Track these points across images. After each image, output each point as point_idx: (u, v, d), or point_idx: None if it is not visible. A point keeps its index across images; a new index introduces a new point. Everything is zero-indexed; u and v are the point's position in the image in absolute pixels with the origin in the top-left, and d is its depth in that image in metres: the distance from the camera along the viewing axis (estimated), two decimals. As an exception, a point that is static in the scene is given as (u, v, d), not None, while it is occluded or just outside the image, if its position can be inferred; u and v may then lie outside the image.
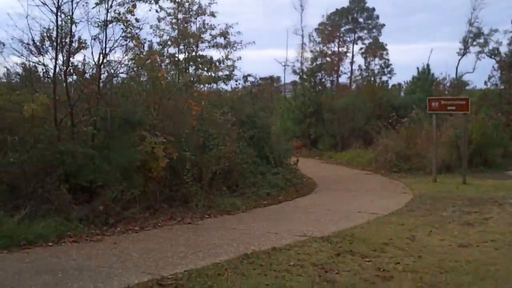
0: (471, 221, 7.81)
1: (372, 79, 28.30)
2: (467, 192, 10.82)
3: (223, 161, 9.61)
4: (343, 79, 30.40)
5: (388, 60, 34.68)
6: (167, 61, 13.05)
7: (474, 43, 30.56)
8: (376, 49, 34.17)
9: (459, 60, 30.55)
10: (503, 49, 24.01)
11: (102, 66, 8.54)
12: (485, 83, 21.94)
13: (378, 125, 17.11)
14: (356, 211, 8.93)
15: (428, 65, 22.71)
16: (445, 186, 11.83)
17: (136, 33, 8.80)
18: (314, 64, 21.10)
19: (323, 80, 18.94)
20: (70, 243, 6.11)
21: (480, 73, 36.34)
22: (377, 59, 34.35)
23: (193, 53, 13.13)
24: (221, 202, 9.02)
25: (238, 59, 13.18)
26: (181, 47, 12.97)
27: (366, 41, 35.38)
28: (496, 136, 14.60)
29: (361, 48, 34.98)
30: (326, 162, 17.33)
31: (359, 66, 34.12)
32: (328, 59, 26.48)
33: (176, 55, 12.99)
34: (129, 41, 8.80)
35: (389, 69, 34.24)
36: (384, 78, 32.48)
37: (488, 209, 8.93)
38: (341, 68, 29.79)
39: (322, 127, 18.51)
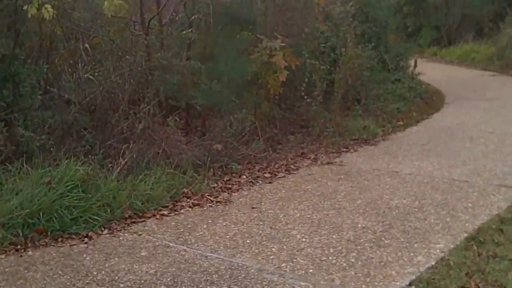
0: None
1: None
2: None
3: (349, 71, 7.39)
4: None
5: None
6: None
7: None
8: None
9: None
10: None
11: None
12: None
13: (497, 12, 14.19)
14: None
15: None
16: None
17: None
18: None
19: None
20: (191, 208, 4.27)
21: None
22: None
23: None
24: (353, 126, 6.96)
25: None
26: None
27: None
28: None
29: None
30: (432, 60, 14.69)
31: None
32: None
33: None
34: None
35: None
36: None
37: None
38: None
39: (423, 17, 15.60)
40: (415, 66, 10.46)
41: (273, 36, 6.17)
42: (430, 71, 12.60)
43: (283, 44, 6.09)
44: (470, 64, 13.43)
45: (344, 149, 6.20)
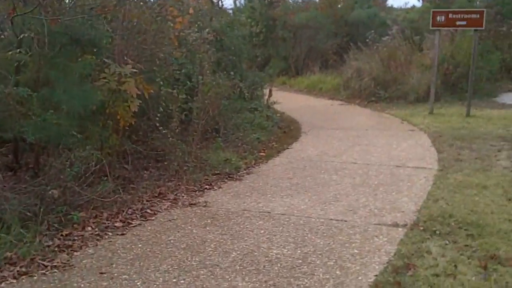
0: None
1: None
2: (485, 127, 8.97)
3: (208, 100, 6.77)
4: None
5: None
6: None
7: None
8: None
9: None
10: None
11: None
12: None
13: (341, 45, 14.86)
14: (390, 164, 6.66)
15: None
16: (449, 119, 9.91)
17: None
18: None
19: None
20: (17, 280, 3.19)
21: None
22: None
23: None
24: (214, 159, 6.32)
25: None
26: None
27: None
28: (483, 59, 12.77)
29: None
30: (282, 89, 14.82)
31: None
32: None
33: None
34: None
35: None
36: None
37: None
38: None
39: (272, 48, 15.77)
40: (270, 95, 10.27)
41: (123, 61, 5.32)
42: (283, 99, 12.59)
43: (135, 70, 5.27)
44: (318, 94, 13.75)
45: (207, 186, 5.52)
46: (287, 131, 8.98)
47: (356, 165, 6.61)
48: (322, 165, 6.65)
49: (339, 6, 17.07)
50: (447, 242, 3.88)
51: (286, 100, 12.67)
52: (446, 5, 23.50)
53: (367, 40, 13.25)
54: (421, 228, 4.21)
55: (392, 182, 5.79)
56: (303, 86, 14.54)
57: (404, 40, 13.17)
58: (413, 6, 31.05)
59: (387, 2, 31.96)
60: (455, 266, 3.43)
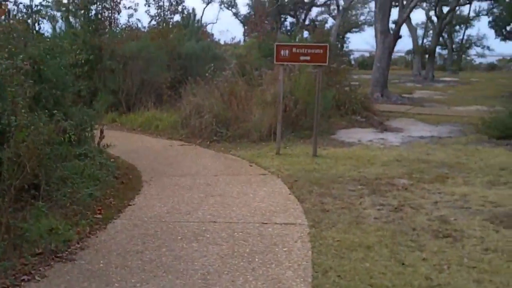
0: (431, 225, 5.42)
1: (163, 17, 23.32)
2: (336, 169, 8.60)
3: (24, 148, 5.12)
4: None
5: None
6: None
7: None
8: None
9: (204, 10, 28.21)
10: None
11: None
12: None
13: (175, 79, 13.84)
14: (255, 220, 5.70)
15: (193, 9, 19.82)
16: (297, 160, 9.41)
17: None
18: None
19: (102, 15, 14.11)
20: None
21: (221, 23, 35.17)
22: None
23: None
24: (34, 231, 4.69)
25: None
26: None
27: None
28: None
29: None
30: (112, 128, 13.17)
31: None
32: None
33: None
34: None
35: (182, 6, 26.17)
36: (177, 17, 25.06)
37: (400, 195, 6.78)
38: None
39: (99, 80, 14.06)
40: (102, 136, 8.74)
41: None
42: (116, 141, 11.05)
43: None
44: (154, 133, 12.44)
45: (25, 277, 3.92)
46: (125, 181, 7.55)
47: (217, 225, 5.51)
48: (177, 227, 5.42)
49: (171, 36, 16.09)
50: None
51: (120, 142, 11.15)
52: (269, 41, 24.12)
53: (207, 74, 12.41)
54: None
55: (266, 249, 4.80)
56: (136, 124, 13.08)
57: (242, 76, 12.63)
58: (239, 41, 31.72)
59: (214, 37, 32.11)
60: None
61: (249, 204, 6.48)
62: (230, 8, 45.21)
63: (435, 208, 6.28)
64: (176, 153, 10.04)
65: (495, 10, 35.13)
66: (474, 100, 20.65)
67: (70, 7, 14.05)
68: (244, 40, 33.99)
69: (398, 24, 20.86)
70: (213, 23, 28.35)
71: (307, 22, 43.66)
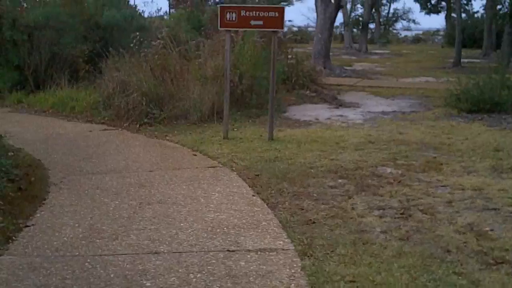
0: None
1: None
2: (303, 156, 6.88)
3: None
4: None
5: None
6: None
7: None
8: None
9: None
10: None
11: None
12: None
13: (94, 51, 11.59)
14: (216, 245, 3.88)
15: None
16: (251, 146, 7.61)
17: None
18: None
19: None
20: None
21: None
22: None
23: None
24: None
25: None
26: None
27: None
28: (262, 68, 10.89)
29: None
30: (17, 110, 10.77)
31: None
32: None
33: None
34: None
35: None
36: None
37: (396, 192, 5.17)
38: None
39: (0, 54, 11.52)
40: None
41: None
42: (15, 127, 8.78)
43: None
44: (70, 115, 10.18)
45: None
46: (24, 186, 5.44)
47: (160, 260, 3.63)
48: (98, 268, 3.49)
49: (87, 3, 13.66)
50: None
51: (24, 128, 8.90)
52: (198, 14, 21.94)
53: (131, 45, 10.26)
54: None
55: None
56: (47, 105, 10.72)
57: (176, 47, 10.59)
58: (166, 12, 29.25)
59: (138, 8, 29.39)
60: None
61: (202, 216, 4.64)
62: (154, -22, 42.25)
63: (454, 211, 4.72)
64: (98, 141, 7.94)
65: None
66: (418, 71, 19.70)
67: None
68: (170, 12, 31.62)
69: (339, -8, 19.37)
70: (136, -7, 25.95)
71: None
